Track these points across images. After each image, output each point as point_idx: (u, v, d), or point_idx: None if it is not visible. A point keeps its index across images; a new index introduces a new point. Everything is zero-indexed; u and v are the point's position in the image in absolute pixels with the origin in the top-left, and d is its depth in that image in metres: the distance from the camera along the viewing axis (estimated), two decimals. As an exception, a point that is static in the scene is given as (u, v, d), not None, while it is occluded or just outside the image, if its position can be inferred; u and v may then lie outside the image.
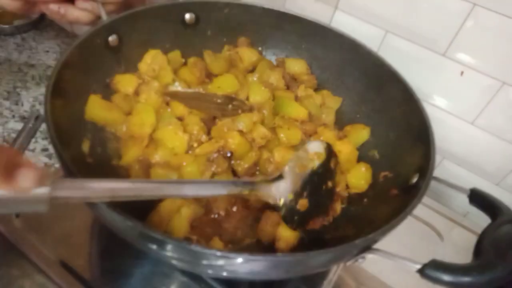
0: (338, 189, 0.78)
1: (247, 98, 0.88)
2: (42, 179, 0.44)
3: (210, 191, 0.59)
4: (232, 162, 0.80)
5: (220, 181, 0.62)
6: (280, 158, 0.78)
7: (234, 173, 0.81)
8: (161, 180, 0.57)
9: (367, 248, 0.56)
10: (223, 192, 0.60)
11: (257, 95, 0.88)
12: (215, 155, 0.77)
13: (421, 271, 0.53)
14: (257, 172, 0.82)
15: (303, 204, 0.69)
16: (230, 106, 0.82)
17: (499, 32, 0.79)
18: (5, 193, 0.42)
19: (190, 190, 0.57)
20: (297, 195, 0.68)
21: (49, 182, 0.45)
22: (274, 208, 0.75)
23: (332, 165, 0.75)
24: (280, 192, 0.66)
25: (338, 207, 0.78)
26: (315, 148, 0.72)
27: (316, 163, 0.71)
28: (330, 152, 0.74)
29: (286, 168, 0.68)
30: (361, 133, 0.86)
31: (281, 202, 0.66)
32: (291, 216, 0.68)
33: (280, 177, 0.67)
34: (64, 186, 0.47)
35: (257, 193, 0.64)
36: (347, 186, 0.81)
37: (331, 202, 0.76)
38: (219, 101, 0.84)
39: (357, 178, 0.80)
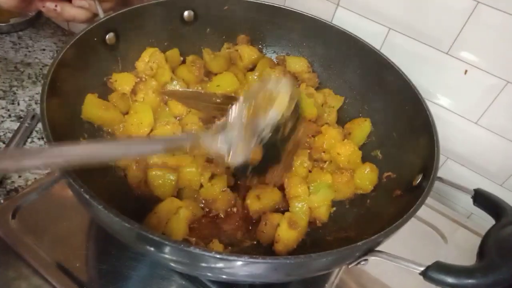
0: (299, 136, 0.71)
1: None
2: None
3: (144, 149, 0.55)
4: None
5: (157, 138, 0.58)
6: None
7: (234, 174, 0.80)
8: (88, 143, 0.52)
9: (370, 250, 0.55)
10: (159, 147, 0.55)
11: (257, 94, 0.87)
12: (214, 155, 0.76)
13: (424, 273, 0.52)
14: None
15: (255, 157, 0.62)
16: (230, 106, 0.81)
17: (502, 30, 0.78)
18: None
19: (123, 150, 0.53)
20: (248, 146, 0.60)
21: None
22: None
23: (290, 107, 0.63)
24: (228, 143, 0.58)
25: (302, 158, 0.72)
26: (269, 85, 0.61)
27: (269, 109, 0.60)
28: (287, 90, 0.62)
29: (232, 116, 0.59)
30: (363, 126, 0.85)
31: (229, 155, 0.59)
32: (243, 170, 0.62)
33: (225, 126, 0.59)
34: None
35: (200, 147, 0.57)
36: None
37: (290, 152, 0.69)
38: (218, 100, 0.82)
39: (362, 179, 0.79)
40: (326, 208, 0.75)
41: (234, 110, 0.59)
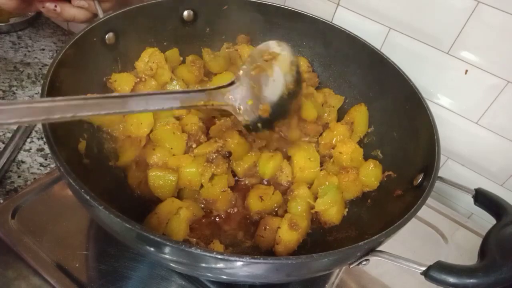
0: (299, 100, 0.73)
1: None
2: None
3: (161, 105, 0.55)
4: (231, 162, 0.78)
5: (171, 92, 0.59)
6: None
7: (234, 174, 0.79)
8: (103, 95, 0.51)
9: (371, 250, 0.55)
10: (176, 104, 0.56)
11: (257, 93, 0.86)
12: (214, 155, 0.75)
13: (426, 273, 0.52)
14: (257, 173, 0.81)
15: (265, 109, 0.65)
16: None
17: (503, 30, 0.78)
18: None
19: (138, 105, 0.53)
20: (257, 100, 0.65)
21: None
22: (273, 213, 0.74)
23: (292, 67, 0.67)
24: (238, 99, 0.63)
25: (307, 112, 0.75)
26: (270, 47, 0.66)
27: (273, 64, 0.65)
28: (288, 53, 0.67)
29: (240, 73, 0.64)
30: (361, 110, 0.86)
31: (241, 109, 0.63)
32: (254, 123, 0.66)
33: (234, 82, 0.63)
34: None
35: (214, 103, 0.60)
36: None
37: (296, 105, 0.71)
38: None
39: (367, 176, 0.78)
40: (337, 211, 0.74)
41: (241, 71, 0.63)
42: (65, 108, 0.48)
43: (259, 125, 0.66)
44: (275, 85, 0.65)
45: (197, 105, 0.60)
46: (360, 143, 0.86)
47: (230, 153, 0.77)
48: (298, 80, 0.68)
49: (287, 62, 0.66)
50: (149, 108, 0.55)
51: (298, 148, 0.81)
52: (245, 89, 0.64)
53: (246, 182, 0.81)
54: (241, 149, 0.77)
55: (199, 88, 0.60)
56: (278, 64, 0.65)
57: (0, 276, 0.67)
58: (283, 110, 0.68)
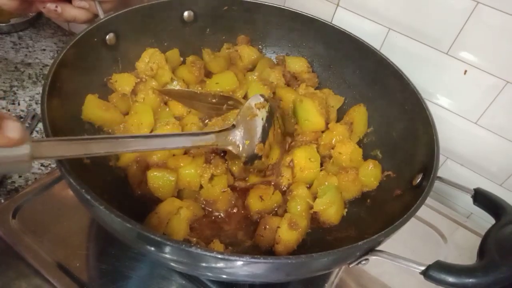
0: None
1: (245, 96, 0.87)
2: (24, 136, 0.46)
3: (176, 144, 0.66)
4: (228, 162, 0.79)
5: (184, 133, 0.69)
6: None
7: (232, 174, 0.80)
8: (131, 135, 0.62)
9: (371, 250, 0.55)
10: (188, 143, 0.67)
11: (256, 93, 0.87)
12: (213, 155, 0.76)
13: (425, 273, 0.52)
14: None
15: (260, 147, 0.76)
16: (225, 106, 0.81)
17: (502, 30, 0.78)
18: None
19: (158, 144, 0.62)
20: (253, 141, 0.75)
21: (29, 142, 0.47)
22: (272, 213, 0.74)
23: (277, 113, 0.81)
24: (238, 140, 0.74)
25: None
26: (256, 100, 0.78)
27: (263, 111, 0.77)
28: (271, 104, 0.80)
29: (238, 118, 0.75)
30: (360, 111, 0.86)
31: (240, 148, 0.74)
32: (252, 161, 0.76)
33: (233, 126, 0.74)
34: (43, 145, 0.50)
35: (218, 143, 0.71)
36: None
37: (284, 143, 0.84)
38: (214, 100, 0.83)
39: (366, 176, 0.79)
40: (336, 211, 0.74)
41: (238, 116, 0.75)
42: (101, 145, 0.55)
43: (256, 161, 0.76)
44: (266, 128, 0.77)
45: (205, 145, 0.70)
46: (360, 143, 0.86)
47: (225, 152, 0.78)
48: (279, 120, 0.82)
49: (273, 109, 0.79)
50: (167, 147, 0.65)
51: (299, 148, 0.82)
52: (243, 132, 0.74)
53: (242, 184, 0.81)
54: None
55: (207, 130, 0.72)
56: (267, 111, 0.78)
57: (1, 275, 0.68)
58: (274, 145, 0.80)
